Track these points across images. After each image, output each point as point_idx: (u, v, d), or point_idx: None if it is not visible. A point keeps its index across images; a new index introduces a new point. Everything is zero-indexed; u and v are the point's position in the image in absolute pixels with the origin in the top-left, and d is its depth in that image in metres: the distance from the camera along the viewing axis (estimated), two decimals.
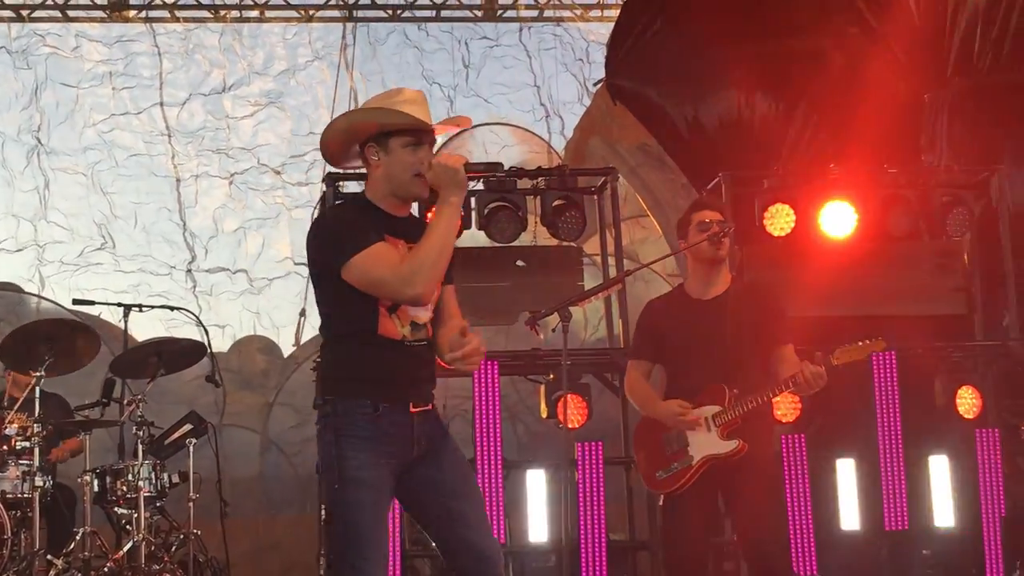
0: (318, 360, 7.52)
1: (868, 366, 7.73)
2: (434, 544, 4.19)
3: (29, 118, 12.97)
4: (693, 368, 5.49)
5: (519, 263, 8.14)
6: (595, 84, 10.91)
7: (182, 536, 7.75)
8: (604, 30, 13.16)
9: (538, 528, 7.56)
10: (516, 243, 8.09)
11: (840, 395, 8.34)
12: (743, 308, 5.51)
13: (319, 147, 4.24)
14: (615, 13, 12.85)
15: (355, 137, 4.09)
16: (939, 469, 7.88)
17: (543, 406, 7.82)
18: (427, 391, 4.12)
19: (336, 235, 3.99)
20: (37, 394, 7.25)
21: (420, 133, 4.02)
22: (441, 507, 4.07)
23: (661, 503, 5.64)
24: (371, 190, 4.13)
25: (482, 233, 7.98)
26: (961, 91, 8.88)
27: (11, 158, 12.95)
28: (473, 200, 7.92)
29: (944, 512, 7.83)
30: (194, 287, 13.01)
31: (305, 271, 12.60)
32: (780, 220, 7.96)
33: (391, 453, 3.98)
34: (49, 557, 7.27)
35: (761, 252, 8.10)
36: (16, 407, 7.43)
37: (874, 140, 8.93)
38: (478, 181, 7.97)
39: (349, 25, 13.07)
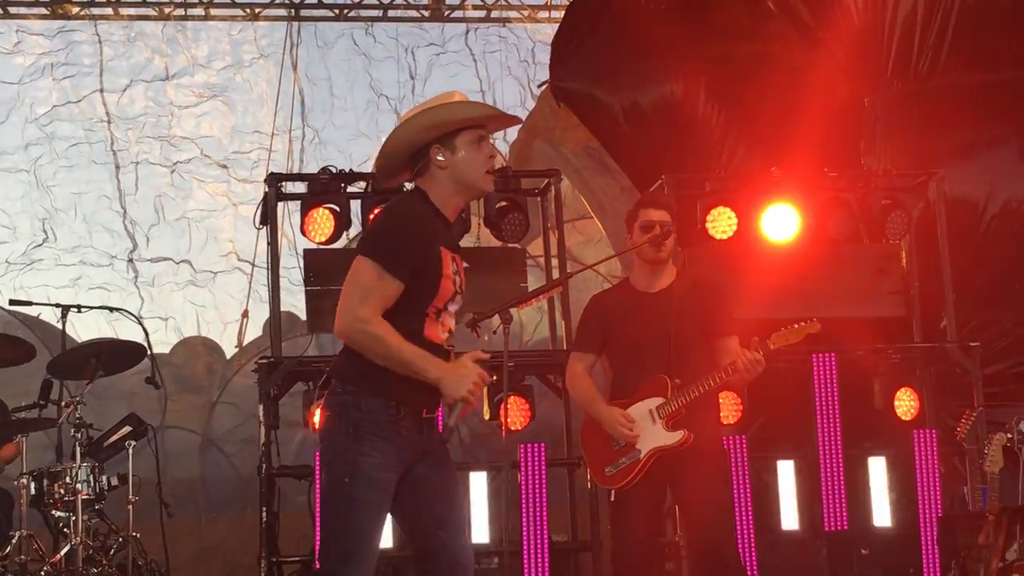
0: (261, 360, 7.52)
1: (808, 367, 7.80)
2: (412, 544, 4.20)
3: None
4: (638, 360, 5.56)
5: (463, 264, 8.11)
6: (539, 85, 10.92)
7: (121, 539, 7.66)
8: (551, 30, 13.18)
9: (480, 529, 7.54)
10: (460, 244, 8.06)
11: (780, 396, 8.43)
12: (688, 300, 5.58)
13: (376, 163, 4.24)
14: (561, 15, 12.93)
15: (420, 141, 4.07)
16: (877, 470, 7.97)
17: (486, 408, 7.81)
18: (438, 398, 4.11)
19: (383, 231, 4.08)
20: None
21: (484, 128, 4.09)
22: (428, 510, 4.09)
23: (612, 499, 5.66)
24: (436, 193, 4.11)
25: None
26: (900, 94, 8.97)
27: None
28: None
29: (882, 512, 7.91)
30: (136, 277, 12.87)
31: (248, 268, 12.52)
32: (722, 223, 8.01)
33: (403, 459, 4.02)
34: None
35: (703, 254, 8.14)
36: None
37: (814, 143, 9.00)
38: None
39: (295, 24, 12.99)
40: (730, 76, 9.27)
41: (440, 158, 4.05)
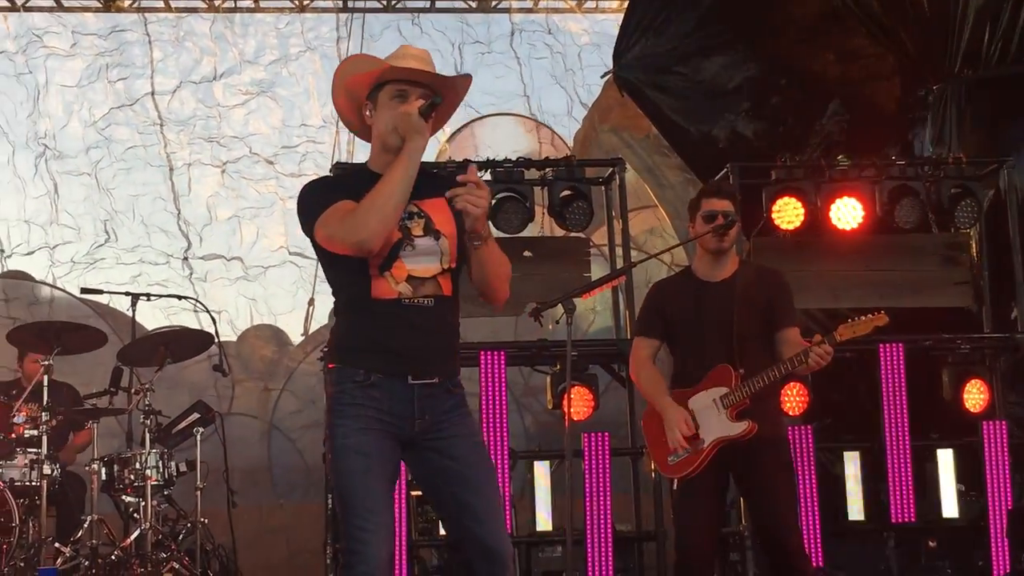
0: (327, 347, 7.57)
1: (876, 357, 7.73)
2: (447, 532, 4.04)
3: (34, 124, 13.04)
4: (701, 349, 5.53)
5: (526, 254, 8.13)
6: (603, 75, 10.87)
7: (189, 524, 7.77)
8: (598, 28, 13.17)
9: (544, 518, 7.58)
10: (523, 234, 8.08)
11: (847, 387, 8.38)
12: (751, 291, 5.54)
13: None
14: (609, 4, 12.89)
15: (356, 98, 3.97)
16: (946, 461, 7.89)
17: (549, 397, 7.83)
18: (432, 361, 3.88)
19: (305, 201, 3.91)
20: (46, 383, 7.27)
21: (406, 85, 3.86)
22: (450, 496, 3.87)
23: (675, 487, 5.65)
24: (372, 151, 4.01)
25: (489, 224, 7.96)
26: (970, 82, 8.84)
27: (21, 166, 13.04)
28: None
29: (950, 504, 7.84)
30: (191, 274, 13.05)
31: (300, 261, 12.67)
32: (788, 213, 7.95)
33: (384, 421, 3.81)
34: (57, 545, 7.30)
35: (768, 244, 8.10)
36: (24, 395, 7.45)
37: (883, 131, 8.92)
38: (486, 171, 8.01)
39: (343, 17, 13.02)
40: (799, 65, 9.18)
41: (367, 114, 3.95)
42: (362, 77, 3.92)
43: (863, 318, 5.36)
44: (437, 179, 3.93)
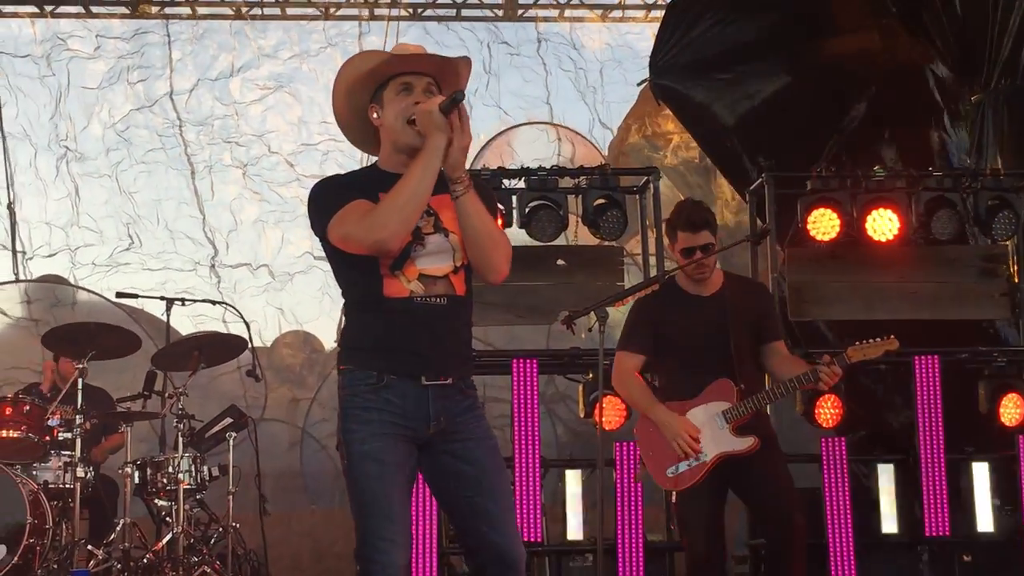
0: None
1: (910, 369, 7.68)
2: (460, 539, 3.96)
3: (56, 127, 13.11)
4: (696, 362, 5.55)
5: (560, 262, 8.12)
6: (639, 83, 10.87)
7: (221, 529, 7.79)
8: (621, 42, 13.16)
9: (575, 527, 7.55)
10: (557, 242, 8.07)
11: (881, 398, 8.32)
12: (741, 304, 5.59)
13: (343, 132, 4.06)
14: (634, 14, 12.89)
15: (359, 104, 3.90)
16: (981, 475, 7.82)
17: (581, 406, 7.81)
18: (446, 362, 3.83)
19: (318, 201, 3.86)
20: (80, 386, 7.31)
21: (410, 76, 3.82)
22: (464, 501, 3.82)
23: (674, 499, 5.65)
24: (382, 153, 3.94)
25: (523, 232, 7.97)
26: (1008, 93, 8.78)
27: (42, 168, 13.11)
28: (514, 199, 7.92)
29: (986, 518, 7.76)
30: (218, 283, 13.09)
31: (325, 266, 12.67)
32: (824, 224, 7.90)
33: (399, 425, 3.76)
34: (90, 547, 7.34)
35: (803, 255, 8.07)
36: (60, 398, 7.50)
37: (920, 141, 8.87)
38: (519, 179, 8.01)
39: (366, 11, 13.05)
40: (836, 72, 9.13)
41: (375, 116, 3.89)
42: (363, 76, 3.86)
43: (874, 341, 5.41)
44: (442, 175, 3.82)
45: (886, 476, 7.83)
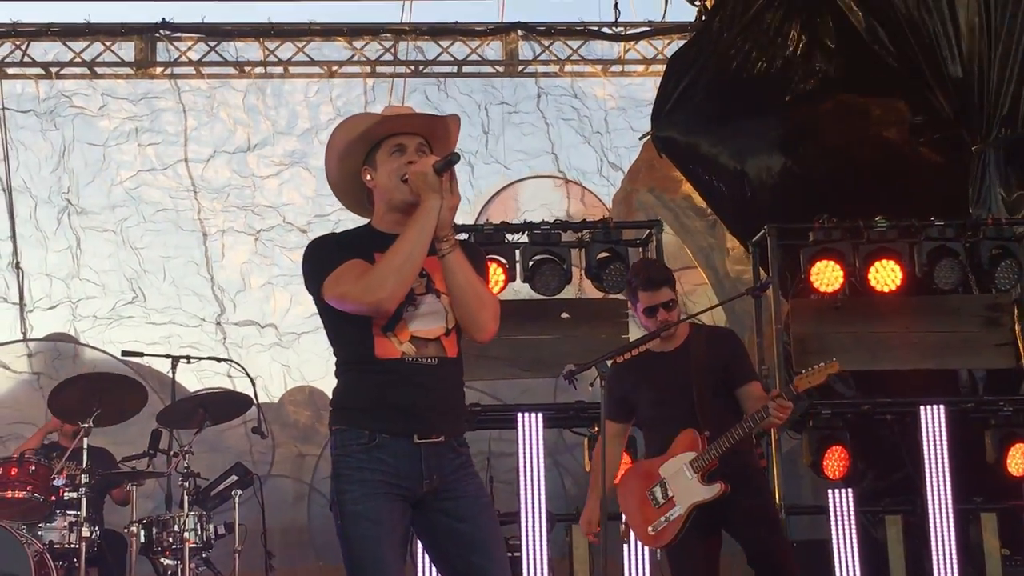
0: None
1: (917, 420, 7.67)
2: None
3: (58, 180, 13.16)
4: (665, 417, 5.60)
5: (564, 315, 8.15)
6: (642, 137, 10.94)
7: None
8: (624, 93, 13.25)
9: None
10: (561, 295, 8.10)
11: (888, 449, 8.31)
12: (706, 353, 5.60)
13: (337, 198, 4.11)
14: (635, 68, 12.99)
15: (351, 167, 3.94)
16: (989, 525, 7.79)
17: (586, 459, 7.80)
18: (437, 420, 3.81)
19: (313, 259, 3.89)
20: (85, 445, 7.31)
21: (402, 137, 3.85)
22: (458, 560, 3.81)
23: (659, 558, 5.67)
24: (376, 213, 3.96)
25: (527, 286, 8.00)
26: (1009, 143, 8.82)
27: (43, 220, 13.14)
28: (518, 252, 7.96)
29: (994, 569, 7.73)
30: (224, 339, 13.11)
31: None
32: (827, 275, 7.93)
33: (392, 484, 3.75)
34: None
35: (807, 305, 8.09)
36: (65, 457, 7.50)
37: (920, 191, 8.90)
38: (522, 233, 8.05)
39: (370, 82, 13.15)
40: (832, 125, 9.20)
41: (368, 178, 3.91)
42: (355, 139, 3.89)
43: (817, 367, 5.39)
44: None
45: (894, 527, 7.80)
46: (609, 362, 4.91)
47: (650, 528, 5.57)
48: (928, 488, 7.61)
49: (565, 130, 13.51)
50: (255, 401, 8.04)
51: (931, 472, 7.63)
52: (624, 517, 5.86)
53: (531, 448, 7.40)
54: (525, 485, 7.33)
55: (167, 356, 8.37)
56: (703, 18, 10.05)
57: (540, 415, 7.51)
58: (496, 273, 7.76)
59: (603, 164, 13.58)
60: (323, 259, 3.85)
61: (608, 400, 5.61)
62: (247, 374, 8.56)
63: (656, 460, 5.60)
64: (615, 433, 5.76)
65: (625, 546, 7.31)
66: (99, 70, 12.88)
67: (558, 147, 13.55)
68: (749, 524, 5.49)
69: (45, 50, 12.81)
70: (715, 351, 5.63)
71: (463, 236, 8.03)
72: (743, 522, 5.49)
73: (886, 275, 7.99)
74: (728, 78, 9.13)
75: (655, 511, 5.56)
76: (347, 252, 3.83)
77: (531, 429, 7.42)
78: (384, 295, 3.69)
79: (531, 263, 7.95)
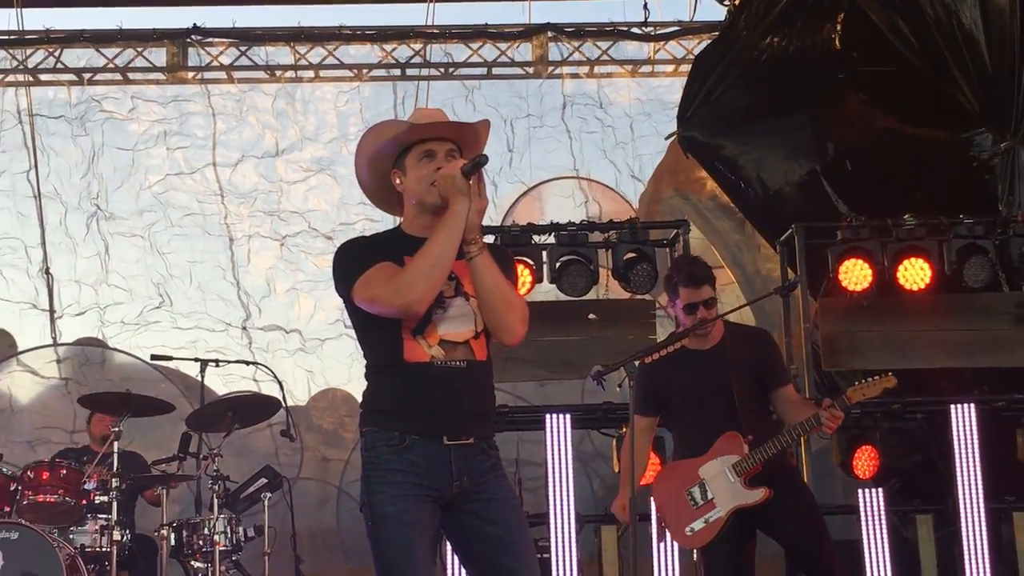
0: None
1: (947, 419, 7.62)
2: None
3: (87, 185, 13.21)
4: (702, 416, 5.61)
5: (591, 316, 8.14)
6: (668, 137, 10.92)
7: None
8: (651, 96, 13.22)
9: None
10: (588, 296, 8.09)
11: (918, 448, 8.26)
12: (742, 354, 5.61)
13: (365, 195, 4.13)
14: (663, 69, 12.96)
15: (382, 170, 3.96)
16: (1022, 524, 7.73)
17: (615, 460, 7.79)
18: (467, 422, 3.84)
19: (343, 262, 3.91)
20: (116, 448, 7.34)
21: (432, 143, 3.87)
22: (488, 561, 3.82)
23: (695, 559, 5.70)
24: (405, 216, 3.99)
25: (554, 287, 8.00)
26: None
27: (72, 226, 13.19)
28: (545, 254, 7.97)
29: None
30: (250, 344, 13.14)
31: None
32: (855, 274, 7.90)
33: (422, 486, 3.77)
34: None
35: (835, 305, 8.05)
36: (96, 461, 7.53)
37: (949, 188, 8.85)
38: (549, 235, 8.05)
39: (400, 92, 13.16)
40: (862, 122, 9.15)
41: (397, 182, 3.93)
42: (383, 146, 3.92)
43: (872, 380, 5.41)
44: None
45: (925, 527, 7.75)
46: (637, 363, 4.90)
47: (688, 529, 5.56)
48: (959, 487, 7.55)
49: (587, 144, 13.51)
50: (284, 404, 8.05)
51: (962, 471, 7.57)
52: (657, 516, 5.83)
53: (559, 449, 7.39)
54: (554, 487, 7.32)
55: (196, 360, 8.40)
56: (730, 17, 10.00)
57: (568, 416, 7.49)
58: (523, 274, 7.76)
59: (622, 179, 13.59)
60: (353, 262, 3.86)
61: (637, 394, 5.62)
62: (275, 377, 8.57)
63: (695, 461, 5.58)
64: (644, 427, 5.78)
65: (655, 547, 7.30)
66: (131, 76, 12.95)
67: (580, 162, 13.55)
68: (797, 526, 5.49)
69: (78, 56, 12.87)
70: (751, 351, 5.65)
71: (491, 239, 8.06)
72: (789, 524, 5.49)
73: (915, 273, 7.95)
74: (753, 77, 9.10)
75: (693, 512, 5.55)
76: (377, 255, 3.84)
77: (559, 430, 7.41)
78: (414, 297, 3.70)
79: (558, 264, 7.95)
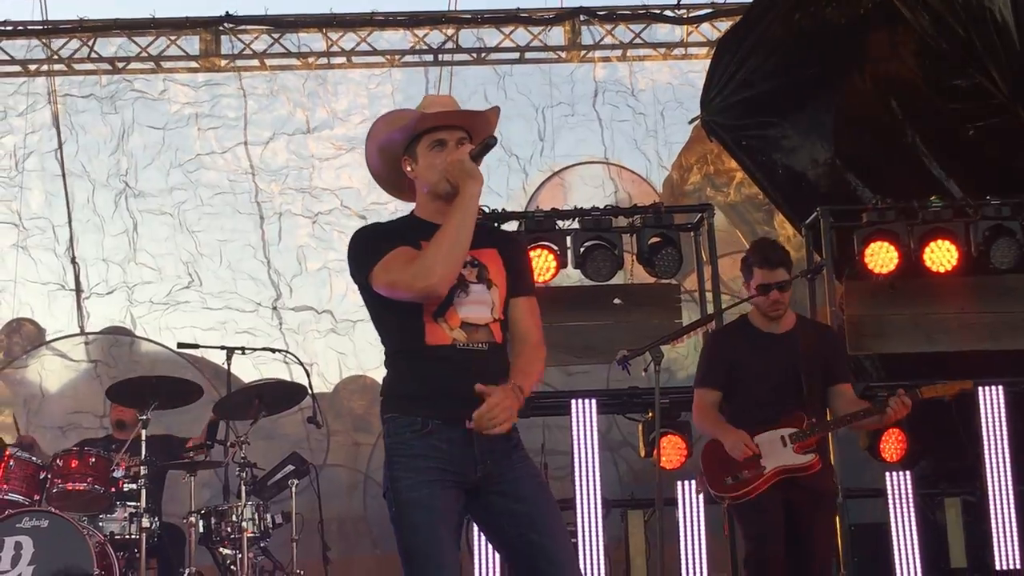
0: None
1: (975, 400, 7.59)
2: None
3: (116, 163, 13.21)
4: (768, 397, 5.69)
5: (616, 301, 8.13)
6: (691, 121, 10.87)
7: None
8: (682, 80, 13.16)
9: (639, 568, 7.51)
10: (613, 281, 8.08)
11: (946, 430, 8.22)
12: (813, 346, 5.73)
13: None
14: (697, 52, 12.90)
15: (393, 156, 4.00)
16: None
17: (641, 445, 7.79)
18: (475, 404, 3.78)
19: (357, 250, 3.93)
20: (143, 437, 7.38)
21: (442, 131, 3.90)
22: (518, 539, 3.81)
23: (725, 505, 5.79)
24: (418, 202, 4.03)
25: (578, 272, 7.99)
26: None
27: (100, 203, 13.17)
28: (569, 239, 7.95)
29: None
30: (280, 324, 13.13)
31: None
32: (881, 256, 7.86)
33: (446, 471, 3.78)
34: None
35: (861, 288, 8.02)
36: (124, 449, 7.57)
37: (975, 169, 8.78)
38: (574, 220, 8.03)
39: (432, 77, 13.15)
40: (886, 105, 9.07)
41: (409, 169, 3.98)
42: (395, 134, 3.95)
43: (949, 383, 5.70)
44: (483, 230, 3.93)
45: (953, 510, 7.74)
46: (665, 347, 4.94)
47: (727, 479, 5.64)
48: (988, 470, 7.54)
49: (618, 134, 13.47)
50: (310, 391, 8.08)
51: (991, 454, 7.56)
52: (699, 471, 5.95)
53: (585, 434, 7.40)
54: (580, 471, 7.33)
55: (222, 348, 8.42)
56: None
57: (594, 401, 7.50)
58: (547, 259, 7.76)
59: (652, 168, 13.56)
60: (369, 248, 3.89)
61: (712, 364, 5.79)
62: (301, 363, 8.59)
63: (753, 431, 5.65)
64: (713, 401, 5.86)
65: (681, 532, 7.31)
66: (165, 64, 13.01)
67: (611, 152, 13.52)
68: (812, 543, 5.61)
69: (111, 45, 12.95)
70: (821, 344, 5.79)
71: (514, 225, 8.06)
72: (809, 539, 5.60)
73: (941, 255, 7.91)
74: (776, 59, 9.03)
75: (737, 466, 5.62)
76: (393, 241, 3.87)
77: (585, 415, 7.41)
78: (434, 280, 3.74)
79: (582, 249, 7.93)
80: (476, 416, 3.68)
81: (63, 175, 13.02)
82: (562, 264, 7.87)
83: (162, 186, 13.20)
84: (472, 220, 3.81)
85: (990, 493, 7.51)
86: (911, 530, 7.44)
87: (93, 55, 12.84)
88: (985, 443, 7.57)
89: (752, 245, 6.28)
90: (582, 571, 4.22)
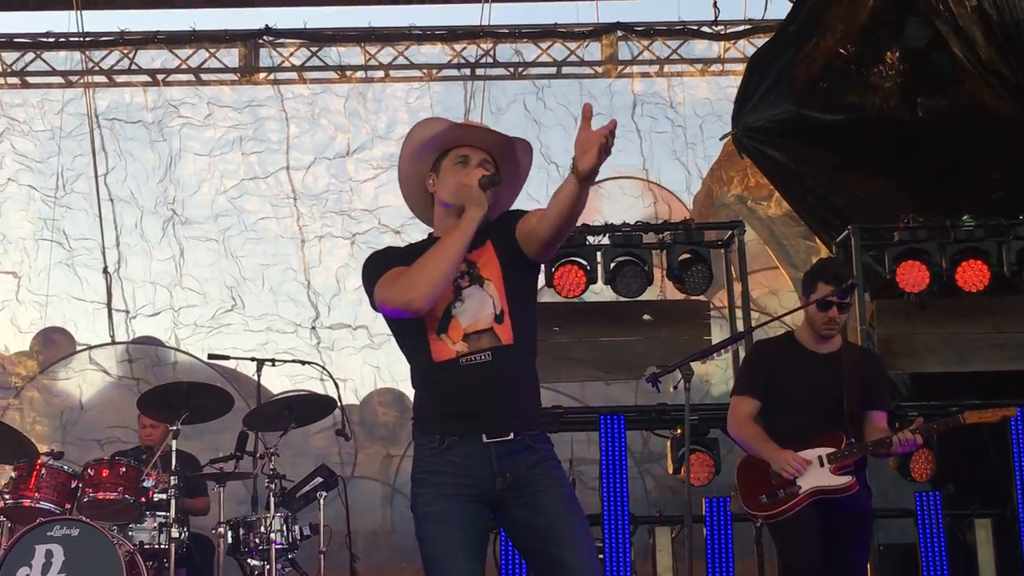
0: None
1: (1006, 421, 7.54)
2: None
3: (164, 190, 13.38)
4: (810, 416, 5.67)
5: (646, 317, 8.13)
6: (722, 137, 10.85)
7: None
8: (720, 96, 13.14)
9: None
10: (643, 297, 8.08)
11: (977, 451, 8.17)
12: (856, 369, 5.72)
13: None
14: (734, 68, 12.88)
15: (421, 171, 4.10)
16: None
17: (669, 462, 7.78)
18: (502, 417, 3.87)
19: (365, 272, 4.03)
20: (174, 447, 7.42)
21: (468, 150, 4.00)
22: (541, 553, 3.83)
23: (758, 524, 5.82)
24: (436, 217, 4.11)
25: (608, 288, 8.00)
26: None
27: (148, 229, 13.36)
28: (599, 255, 7.96)
29: None
30: (318, 343, 13.24)
31: None
32: (913, 276, 7.83)
33: (464, 485, 3.83)
34: None
35: (892, 307, 7.99)
36: (155, 459, 7.61)
37: (1006, 188, 8.74)
38: (604, 235, 8.04)
39: (469, 89, 13.18)
40: (917, 124, 9.03)
41: (430, 182, 4.08)
42: (427, 141, 4.04)
43: (993, 410, 5.72)
44: (483, 227, 3.95)
45: (983, 531, 7.69)
46: (695, 363, 4.94)
47: (762, 496, 5.63)
48: (1019, 491, 7.48)
49: (657, 144, 13.47)
50: (339, 403, 8.10)
51: (1021, 475, 7.51)
52: (735, 488, 5.91)
53: (614, 450, 7.40)
54: (608, 487, 7.33)
55: (252, 359, 8.47)
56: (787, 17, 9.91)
57: (623, 417, 7.50)
58: (577, 275, 7.78)
59: (692, 180, 13.56)
60: (372, 271, 4.00)
61: (755, 374, 5.78)
62: (331, 376, 8.62)
63: (792, 448, 5.64)
64: (753, 411, 5.84)
65: (709, 550, 7.29)
66: (204, 76, 13.11)
67: (649, 162, 13.52)
68: (853, 531, 5.57)
69: (152, 58, 13.08)
70: (864, 370, 5.77)
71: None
72: (843, 561, 5.55)
73: (973, 275, 7.87)
74: (807, 78, 9.01)
75: (772, 484, 5.62)
76: (395, 261, 3.97)
77: (614, 431, 7.42)
78: (414, 295, 3.82)
79: (612, 265, 7.95)
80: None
81: (109, 199, 13.15)
82: (592, 280, 7.89)
83: (207, 213, 13.38)
84: (466, 242, 3.86)
85: (1021, 514, 7.46)
86: (940, 550, 7.40)
87: (133, 67, 12.96)
88: (1017, 464, 7.52)
89: (822, 261, 6.33)
90: None
